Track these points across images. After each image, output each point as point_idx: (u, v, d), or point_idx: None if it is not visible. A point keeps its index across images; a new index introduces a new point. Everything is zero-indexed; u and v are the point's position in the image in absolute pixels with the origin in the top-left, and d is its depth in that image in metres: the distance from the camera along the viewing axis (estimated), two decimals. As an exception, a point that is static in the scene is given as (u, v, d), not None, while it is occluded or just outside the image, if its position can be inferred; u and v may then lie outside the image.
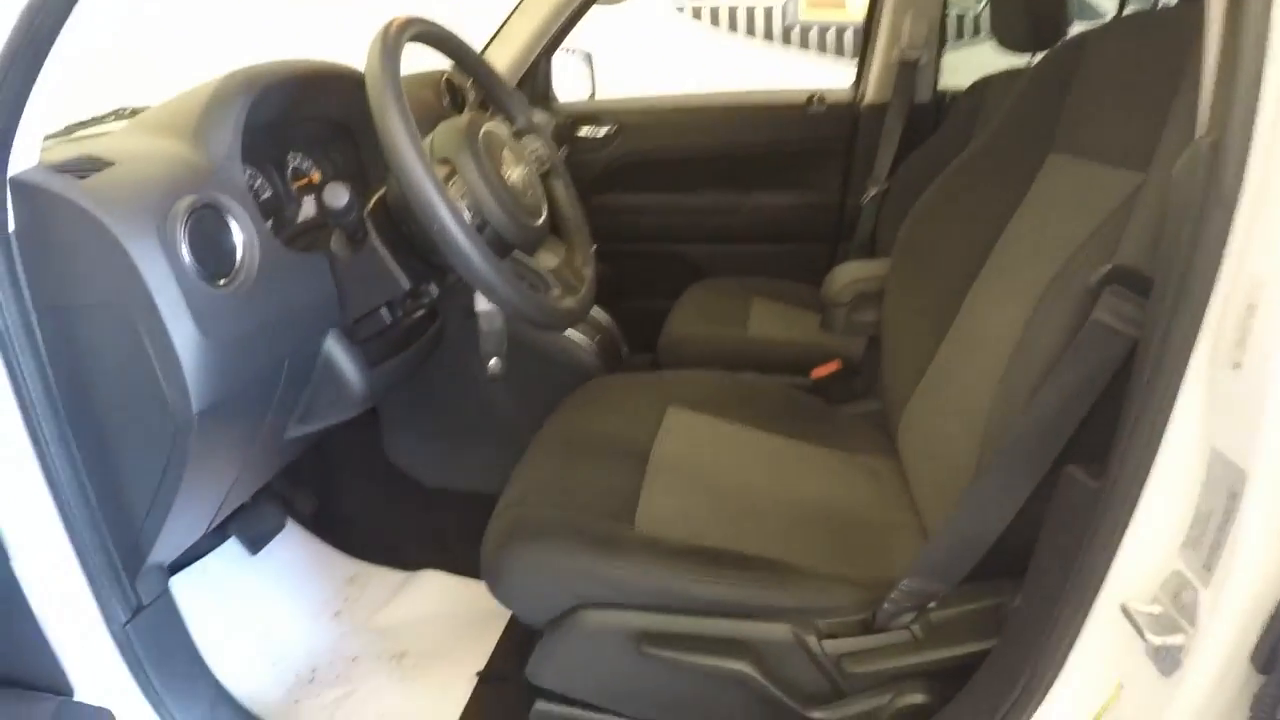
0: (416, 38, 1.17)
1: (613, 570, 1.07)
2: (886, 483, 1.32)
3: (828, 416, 1.52)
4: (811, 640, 1.04)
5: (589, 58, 2.38)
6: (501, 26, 2.18)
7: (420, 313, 1.44)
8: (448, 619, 1.71)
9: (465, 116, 1.23)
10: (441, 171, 1.15)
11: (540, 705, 1.21)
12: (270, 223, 1.25)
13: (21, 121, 0.92)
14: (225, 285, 1.05)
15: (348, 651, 1.64)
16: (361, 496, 1.89)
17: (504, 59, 2.16)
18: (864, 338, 1.82)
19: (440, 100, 1.78)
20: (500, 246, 1.19)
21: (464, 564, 1.77)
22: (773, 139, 2.39)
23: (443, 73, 1.82)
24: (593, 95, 2.41)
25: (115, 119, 1.41)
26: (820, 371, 1.80)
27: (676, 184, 2.43)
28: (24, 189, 0.94)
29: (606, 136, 2.40)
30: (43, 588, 1.05)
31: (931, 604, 1.04)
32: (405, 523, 1.87)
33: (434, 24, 1.25)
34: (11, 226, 0.94)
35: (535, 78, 2.27)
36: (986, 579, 1.03)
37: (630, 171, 2.41)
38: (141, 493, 1.06)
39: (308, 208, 1.39)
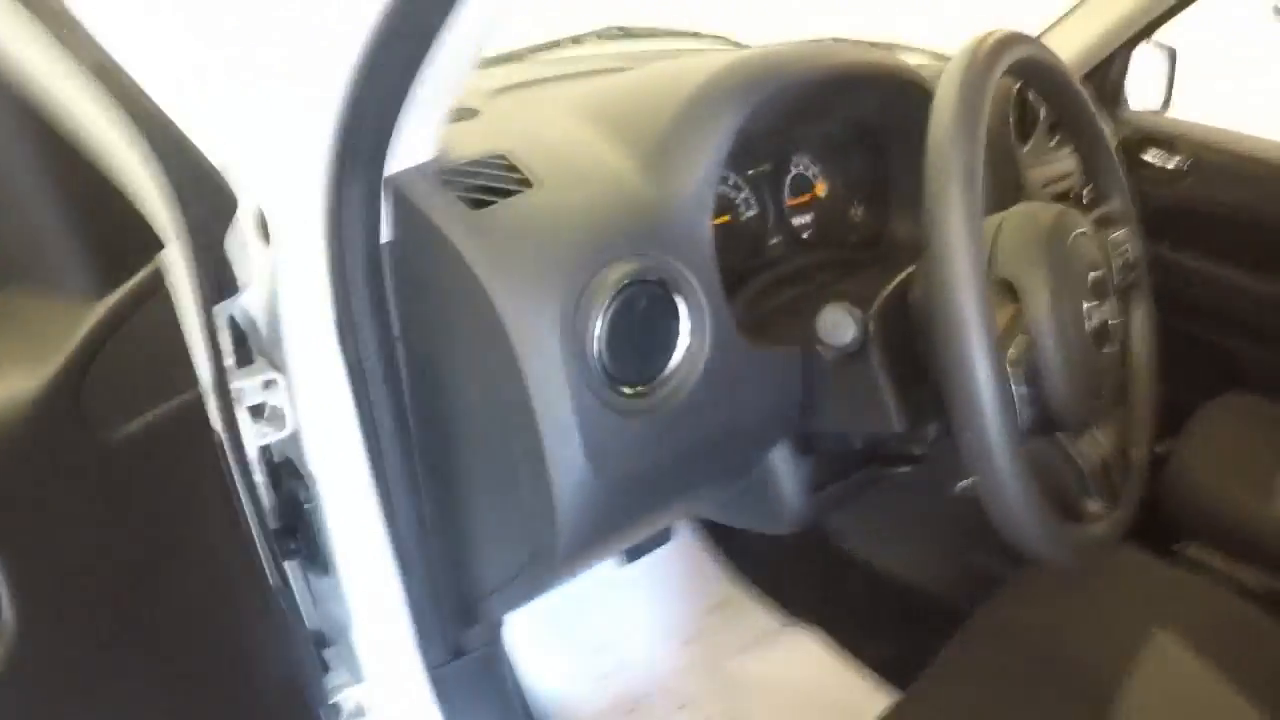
0: (1015, 71, 0.84)
1: None
2: None
3: None
4: None
5: (1173, 56, 1.81)
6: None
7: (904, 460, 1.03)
8: (807, 695, 1.43)
9: (1052, 209, 0.85)
10: (998, 300, 0.79)
11: None
12: (741, 256, 0.97)
13: (408, 110, 0.68)
14: (644, 397, 0.76)
15: (683, 692, 1.43)
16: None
17: (1068, 44, 1.70)
18: None
19: (1006, 124, 1.36)
20: (1043, 425, 0.82)
21: (850, 636, 1.48)
22: None
23: (1015, 84, 1.40)
24: (1165, 105, 1.84)
25: (599, 39, 1.23)
26: None
27: (1228, 252, 1.77)
28: (400, 200, 0.73)
29: (1175, 170, 1.80)
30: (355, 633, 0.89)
31: None
32: (803, 567, 1.61)
33: (1046, 50, 0.88)
34: (387, 236, 0.74)
35: (1106, 74, 1.77)
36: None
37: (1183, 222, 1.79)
38: (490, 577, 0.87)
39: (798, 234, 1.07)
